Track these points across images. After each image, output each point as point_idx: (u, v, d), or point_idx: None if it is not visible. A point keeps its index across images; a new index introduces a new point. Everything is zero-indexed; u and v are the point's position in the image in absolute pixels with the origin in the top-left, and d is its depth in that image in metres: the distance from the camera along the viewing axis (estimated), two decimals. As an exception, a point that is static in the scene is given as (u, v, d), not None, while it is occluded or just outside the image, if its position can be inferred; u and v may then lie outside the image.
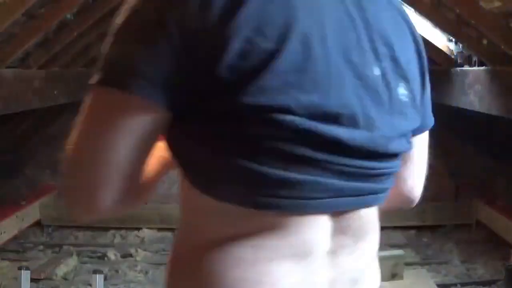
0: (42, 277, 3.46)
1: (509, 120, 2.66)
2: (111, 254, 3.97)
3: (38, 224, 4.54)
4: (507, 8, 2.31)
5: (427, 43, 3.40)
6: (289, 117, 0.63)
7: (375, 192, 0.74)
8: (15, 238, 4.21)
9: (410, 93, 0.74)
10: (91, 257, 4.01)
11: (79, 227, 4.55)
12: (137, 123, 0.64)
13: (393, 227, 4.62)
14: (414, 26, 0.79)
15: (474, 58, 3.08)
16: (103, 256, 4.00)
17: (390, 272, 3.43)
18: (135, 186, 0.68)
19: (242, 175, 0.64)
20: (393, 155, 0.74)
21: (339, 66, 0.67)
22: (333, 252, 0.72)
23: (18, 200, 4.45)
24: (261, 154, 0.64)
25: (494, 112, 2.74)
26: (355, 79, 0.68)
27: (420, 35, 0.82)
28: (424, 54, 0.80)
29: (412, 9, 2.95)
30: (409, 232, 4.59)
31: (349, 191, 0.70)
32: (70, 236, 4.47)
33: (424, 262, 3.93)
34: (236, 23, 0.61)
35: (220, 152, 0.65)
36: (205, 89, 0.63)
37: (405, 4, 2.94)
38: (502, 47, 2.51)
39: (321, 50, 0.65)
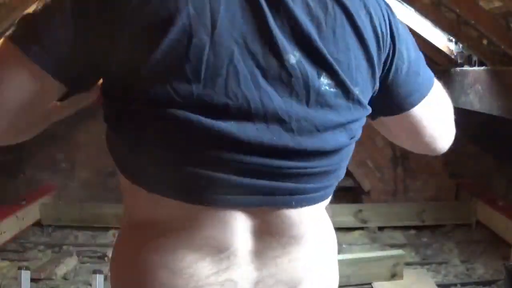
0: (42, 277, 3.45)
1: (509, 120, 2.66)
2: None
3: (38, 224, 4.53)
4: (507, 8, 2.31)
5: (427, 43, 3.40)
6: (170, 110, 0.64)
7: (292, 193, 0.72)
8: (15, 238, 4.21)
9: (338, 84, 0.70)
10: (91, 257, 4.01)
11: (79, 227, 4.55)
12: (23, 81, 0.69)
13: (393, 227, 4.62)
14: (355, 12, 0.71)
15: (474, 58, 3.08)
16: (103, 256, 3.99)
17: (390, 272, 3.43)
18: (25, 122, 0.74)
19: (151, 169, 0.70)
20: (316, 153, 0.71)
21: (232, 56, 0.65)
22: (259, 253, 0.73)
23: (18, 200, 4.44)
24: (159, 148, 0.68)
25: (494, 112, 2.73)
26: (254, 68, 0.66)
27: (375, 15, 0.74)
28: (379, 35, 0.74)
29: (412, 9, 2.95)
30: (409, 232, 4.59)
31: (256, 189, 0.69)
32: (70, 236, 4.47)
33: (424, 262, 3.93)
34: (127, 9, 0.65)
35: (132, 147, 0.70)
36: (103, 74, 0.70)
37: (405, 4, 2.94)
38: (502, 47, 2.51)
39: (207, 39, 0.64)
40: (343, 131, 0.73)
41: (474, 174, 4.87)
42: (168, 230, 0.71)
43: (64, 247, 4.15)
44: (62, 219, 4.56)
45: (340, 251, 4.48)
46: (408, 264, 3.69)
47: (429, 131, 0.87)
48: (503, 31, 2.44)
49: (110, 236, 4.41)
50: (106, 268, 3.67)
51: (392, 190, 4.99)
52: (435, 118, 0.89)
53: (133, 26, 0.65)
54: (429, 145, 0.90)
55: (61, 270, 3.59)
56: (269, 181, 0.69)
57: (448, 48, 3.34)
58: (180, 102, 0.64)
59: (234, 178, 0.68)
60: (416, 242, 4.40)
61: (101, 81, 0.73)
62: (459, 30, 2.86)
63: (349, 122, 0.73)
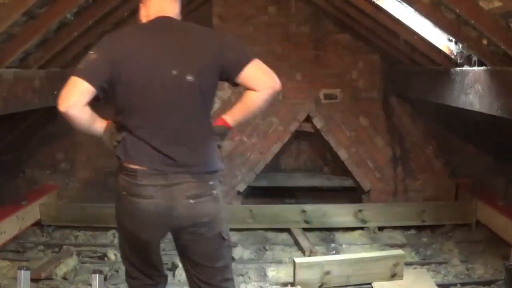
0: (42, 277, 3.45)
1: (509, 120, 2.66)
2: (111, 254, 3.97)
3: (38, 224, 4.53)
4: (507, 8, 2.31)
5: (427, 43, 3.40)
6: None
7: None
8: (15, 238, 4.21)
9: (196, 77, 1.87)
10: (91, 257, 4.01)
11: (79, 227, 4.55)
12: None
13: (393, 227, 4.62)
14: (218, 39, 1.95)
15: (474, 58, 3.07)
16: (103, 256, 3.99)
17: (390, 272, 3.43)
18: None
19: None
20: None
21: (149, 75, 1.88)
22: None
23: (18, 200, 4.44)
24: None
25: (494, 112, 2.73)
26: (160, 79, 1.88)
27: (225, 41, 1.97)
28: (221, 46, 1.92)
29: (412, 9, 2.95)
30: (409, 232, 4.59)
31: None
32: (70, 236, 4.47)
33: (424, 262, 3.93)
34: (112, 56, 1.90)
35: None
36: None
37: (404, 4, 2.94)
38: (502, 47, 2.51)
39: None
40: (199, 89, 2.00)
41: (474, 174, 4.87)
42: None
43: (64, 247, 4.15)
44: (62, 219, 4.56)
45: (340, 251, 4.45)
46: (408, 264, 3.69)
47: (260, 76, 1.94)
48: (503, 31, 2.44)
49: (110, 236, 4.40)
50: (106, 268, 3.68)
51: (392, 190, 4.99)
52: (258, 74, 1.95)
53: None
54: (267, 82, 1.94)
55: (61, 270, 3.59)
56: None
57: (448, 48, 3.34)
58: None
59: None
60: (416, 242, 4.41)
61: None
62: (459, 30, 2.86)
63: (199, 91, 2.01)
